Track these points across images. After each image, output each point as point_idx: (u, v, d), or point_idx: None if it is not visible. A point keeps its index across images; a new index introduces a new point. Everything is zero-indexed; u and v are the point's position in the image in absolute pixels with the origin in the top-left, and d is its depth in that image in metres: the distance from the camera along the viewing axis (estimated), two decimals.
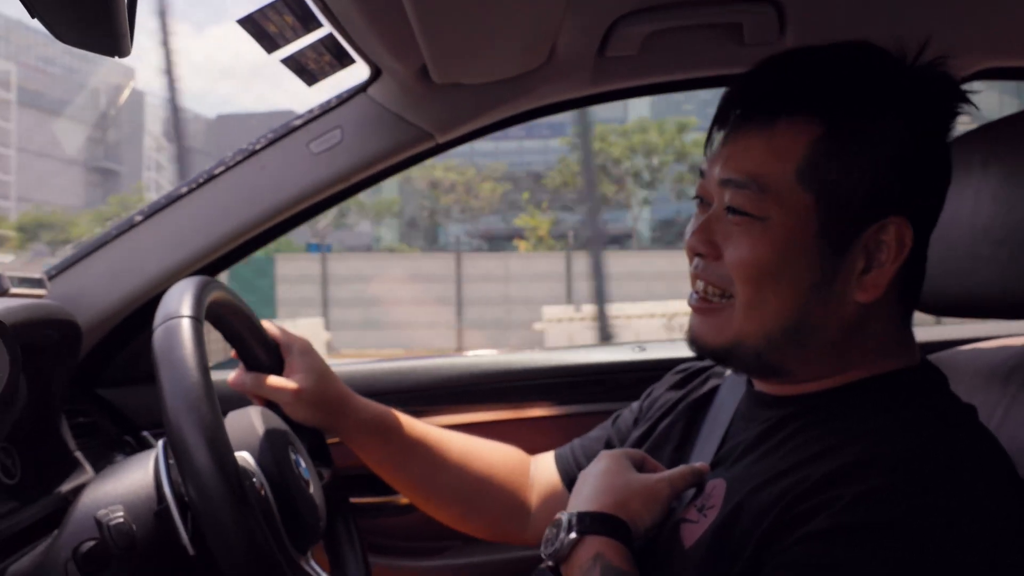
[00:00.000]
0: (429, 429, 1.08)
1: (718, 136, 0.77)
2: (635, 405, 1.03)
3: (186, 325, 0.74)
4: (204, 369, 0.72)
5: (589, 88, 1.25)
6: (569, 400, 1.39)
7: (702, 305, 0.77)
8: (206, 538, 0.67)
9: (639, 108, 30.53)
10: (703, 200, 0.78)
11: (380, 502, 1.32)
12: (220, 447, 0.68)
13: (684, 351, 1.46)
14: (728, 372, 0.91)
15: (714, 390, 0.91)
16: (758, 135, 0.72)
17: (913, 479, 0.62)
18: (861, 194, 0.70)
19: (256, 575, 0.66)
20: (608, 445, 1.02)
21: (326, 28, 0.99)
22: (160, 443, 0.76)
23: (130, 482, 0.77)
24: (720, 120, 0.77)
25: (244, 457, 0.79)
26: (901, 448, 0.65)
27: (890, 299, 0.73)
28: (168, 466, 0.74)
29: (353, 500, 1.28)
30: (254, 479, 0.78)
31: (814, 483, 0.65)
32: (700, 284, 0.77)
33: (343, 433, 1.03)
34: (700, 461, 0.81)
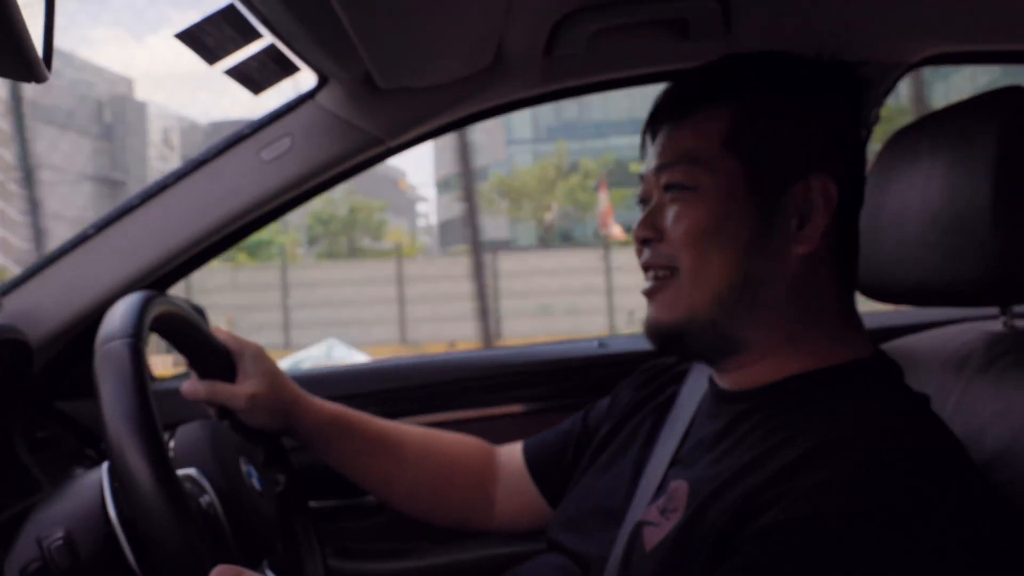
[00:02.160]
0: (387, 425, 1.10)
1: (648, 140, 0.84)
2: (605, 402, 1.04)
3: (122, 347, 0.74)
4: (142, 390, 0.72)
5: (539, 87, 1.26)
6: (532, 397, 1.41)
7: (652, 286, 0.81)
8: (150, 560, 0.68)
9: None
10: (646, 203, 0.83)
11: (344, 504, 1.33)
12: (160, 468, 0.68)
13: (644, 345, 1.48)
14: (690, 373, 0.92)
15: (676, 393, 0.92)
16: (683, 123, 0.81)
17: (863, 470, 0.64)
18: (782, 156, 0.77)
19: (176, 559, 0.67)
20: (576, 440, 1.03)
21: (267, 39, 0.99)
22: (104, 465, 0.76)
23: (75, 503, 0.77)
24: (650, 125, 0.84)
25: (190, 474, 0.80)
26: (852, 440, 0.66)
27: (828, 258, 0.78)
28: (113, 488, 0.74)
29: (317, 504, 1.30)
30: (203, 497, 0.78)
31: (767, 479, 0.66)
32: (650, 272, 0.81)
33: (301, 435, 1.04)
34: (662, 459, 0.83)
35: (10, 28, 0.48)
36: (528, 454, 1.08)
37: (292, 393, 1.03)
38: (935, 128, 0.84)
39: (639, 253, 0.82)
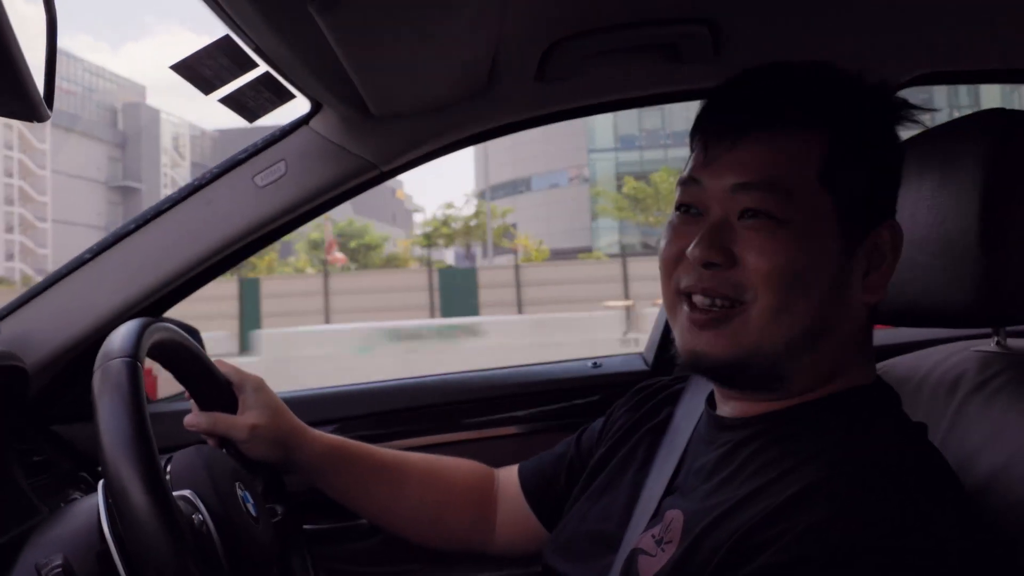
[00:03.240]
0: (387, 453, 1.10)
1: (717, 145, 0.75)
2: (598, 424, 1.03)
3: (121, 367, 0.75)
4: (139, 409, 0.73)
5: (531, 111, 1.27)
6: (527, 418, 1.41)
7: (708, 317, 0.73)
8: (137, 567, 0.69)
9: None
10: (690, 210, 0.77)
11: (339, 527, 1.33)
12: (155, 485, 0.69)
13: (638, 365, 1.49)
14: (683, 397, 0.92)
15: (671, 415, 0.91)
16: (771, 142, 0.73)
17: (858, 512, 0.63)
18: (867, 197, 0.74)
19: None
20: (569, 464, 1.03)
21: (262, 67, 1.00)
22: (100, 484, 0.77)
23: (72, 527, 0.77)
24: (716, 130, 0.76)
25: (185, 495, 0.80)
26: (849, 477, 0.66)
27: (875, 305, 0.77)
28: (108, 506, 0.75)
29: (312, 527, 1.30)
30: (195, 516, 0.79)
31: (765, 515, 0.65)
32: (703, 298, 0.74)
33: (300, 467, 1.05)
34: (658, 485, 0.81)
35: (13, 70, 0.49)
36: (523, 478, 1.08)
37: (291, 424, 1.04)
38: (922, 150, 0.85)
39: (686, 271, 0.75)
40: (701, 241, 0.73)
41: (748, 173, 0.72)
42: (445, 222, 28.71)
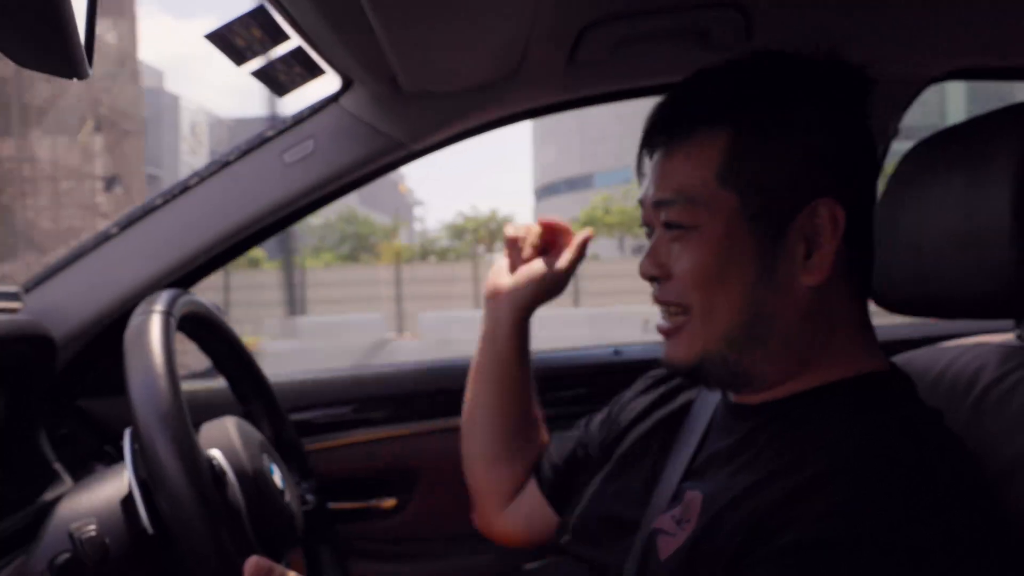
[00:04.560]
0: (531, 382, 1.12)
1: (646, 165, 0.81)
2: (604, 411, 1.04)
3: (156, 319, 0.77)
4: (169, 357, 0.73)
5: (560, 95, 1.27)
6: (548, 403, 1.40)
7: (668, 326, 0.79)
8: (162, 514, 0.69)
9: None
10: (649, 229, 0.82)
11: (362, 507, 1.33)
12: (179, 430, 0.69)
13: (657, 354, 1.48)
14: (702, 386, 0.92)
15: (688, 402, 0.92)
16: (676, 152, 0.76)
17: (877, 494, 0.63)
18: (783, 184, 0.73)
19: (212, 557, 0.67)
20: (582, 448, 1.04)
21: (295, 41, 1.00)
22: (127, 431, 0.77)
23: (104, 495, 0.77)
24: (646, 147, 0.80)
25: (214, 454, 0.80)
26: (866, 460, 0.66)
27: (840, 284, 0.75)
28: (133, 451, 0.75)
29: (335, 505, 1.30)
30: (222, 471, 0.79)
31: (782, 498, 0.65)
32: (662, 308, 0.80)
33: (505, 317, 1.07)
34: (676, 469, 0.82)
35: (60, 26, 0.49)
36: (535, 468, 1.08)
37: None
38: (953, 142, 0.84)
39: (652, 286, 0.80)
40: (643, 260, 0.79)
41: (661, 189, 0.77)
42: (489, 220, 28.73)
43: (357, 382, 1.42)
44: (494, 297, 1.08)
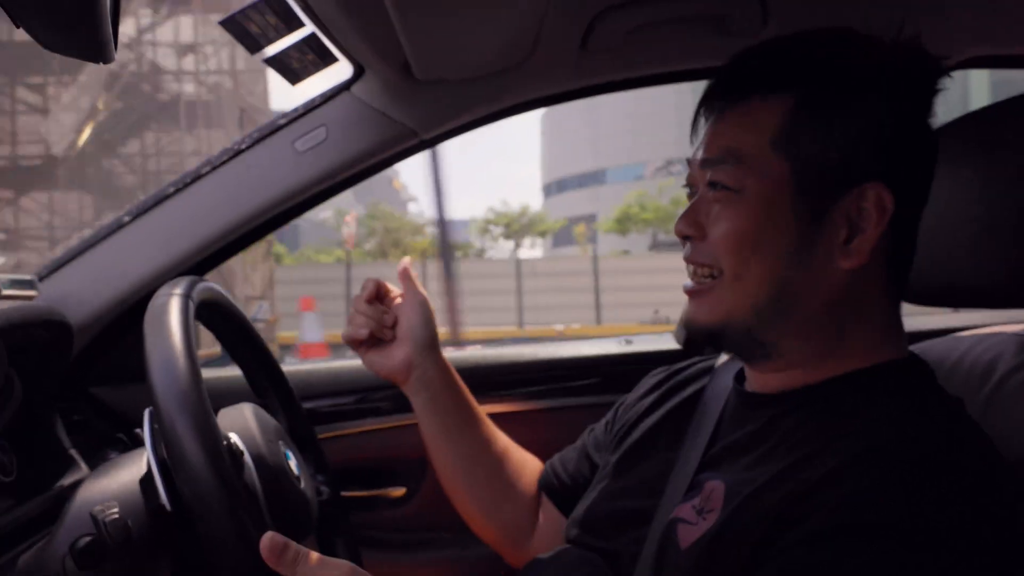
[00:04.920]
0: (480, 410, 1.10)
1: (700, 128, 0.80)
2: (608, 415, 1.03)
3: (177, 301, 0.77)
4: (188, 338, 0.74)
5: (573, 82, 1.26)
6: (559, 393, 1.41)
7: (695, 287, 0.78)
8: (179, 487, 0.69)
9: None
10: (692, 189, 0.81)
11: (372, 495, 1.34)
12: (199, 410, 0.69)
13: (670, 344, 1.48)
14: (710, 375, 0.91)
15: (698, 393, 0.91)
16: (733, 113, 0.76)
17: (903, 477, 0.63)
18: (836, 163, 0.72)
19: (231, 535, 0.67)
20: (586, 460, 1.02)
21: (309, 27, 1.00)
22: (147, 411, 0.77)
23: (125, 478, 0.78)
24: (703, 109, 0.79)
25: (231, 437, 0.80)
26: (891, 445, 0.66)
27: (878, 272, 0.74)
28: (152, 431, 0.75)
29: (345, 494, 1.30)
30: (240, 451, 0.79)
31: (809, 485, 0.65)
32: (691, 268, 0.79)
33: (423, 379, 1.05)
34: (691, 460, 0.81)
35: (91, 10, 0.49)
36: (546, 484, 1.06)
37: (435, 332, 1.06)
38: (971, 130, 0.84)
39: (683, 245, 0.80)
40: (681, 217, 0.78)
41: (711, 148, 0.76)
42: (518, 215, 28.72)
43: (360, 372, 1.43)
44: (399, 383, 1.06)
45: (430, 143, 1.26)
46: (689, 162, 0.81)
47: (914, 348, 0.96)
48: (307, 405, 1.35)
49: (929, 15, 1.17)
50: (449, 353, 1.47)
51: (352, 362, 1.43)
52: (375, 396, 1.38)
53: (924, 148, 0.76)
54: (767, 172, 0.73)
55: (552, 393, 1.41)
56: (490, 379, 1.41)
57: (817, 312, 0.74)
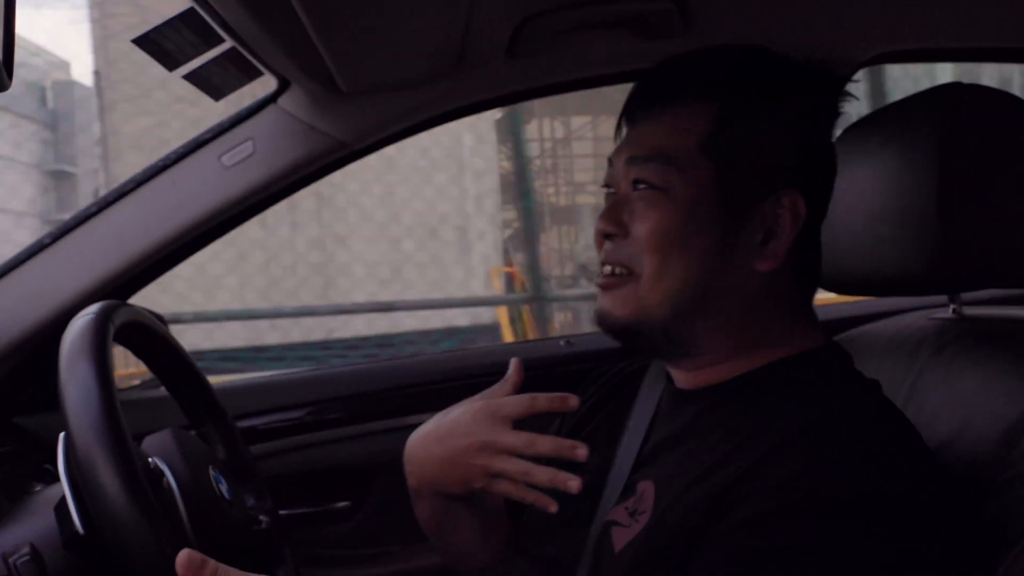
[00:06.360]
0: None
1: (624, 127, 0.81)
2: (553, 426, 1.00)
3: (92, 322, 0.76)
4: (103, 359, 0.72)
5: (502, 88, 1.26)
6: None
7: (607, 281, 0.79)
8: (90, 510, 0.68)
9: None
10: (612, 189, 0.82)
11: (315, 511, 1.32)
12: (112, 429, 0.68)
13: (611, 343, 1.49)
14: (647, 375, 0.92)
15: (633, 393, 0.91)
16: (660, 116, 0.77)
17: (833, 455, 0.65)
18: (757, 169, 0.75)
19: (140, 553, 0.66)
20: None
21: (228, 43, 0.98)
22: (61, 435, 0.75)
23: (37, 515, 0.75)
24: (627, 113, 0.81)
25: (155, 462, 0.79)
26: (818, 426, 0.68)
27: (789, 273, 0.77)
28: (66, 455, 0.73)
29: (287, 512, 1.29)
30: (160, 472, 0.78)
31: (733, 477, 0.67)
32: (607, 267, 0.79)
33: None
34: (625, 461, 0.82)
35: None
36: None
37: None
38: (883, 123, 0.87)
39: (599, 245, 0.80)
40: (602, 215, 0.79)
41: (638, 147, 0.77)
42: None
43: (310, 383, 1.41)
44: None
45: (360, 153, 1.25)
46: (609, 161, 0.82)
47: (842, 336, 0.99)
48: (247, 423, 1.32)
49: (838, 15, 1.21)
50: (388, 361, 1.47)
51: (300, 373, 1.42)
52: (320, 408, 1.37)
53: (831, 159, 0.80)
54: (693, 174, 0.75)
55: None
56: (430, 388, 1.40)
57: (732, 312, 0.76)
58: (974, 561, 0.65)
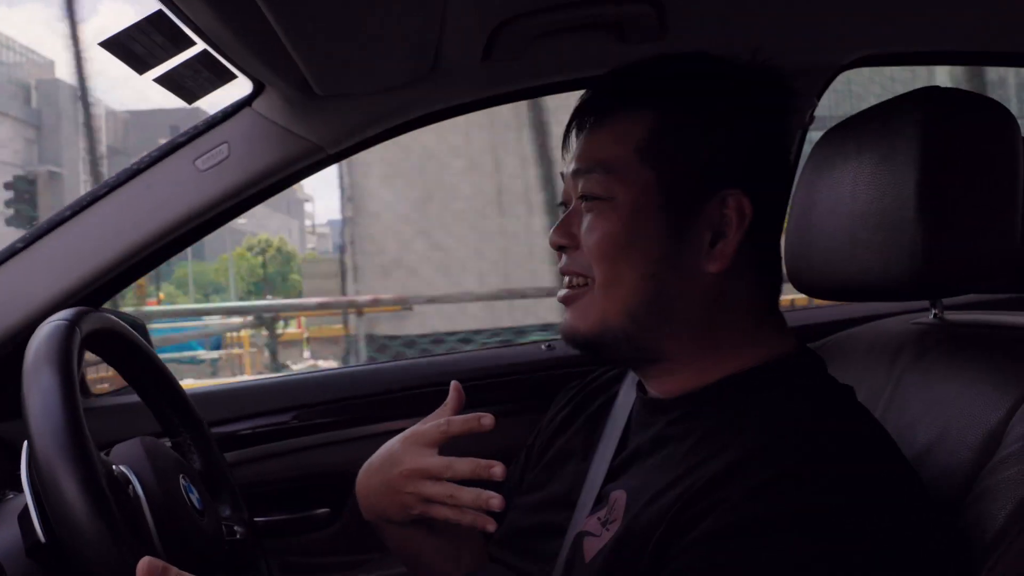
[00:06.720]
0: None
1: (570, 142, 0.83)
2: (529, 439, 1.01)
3: (58, 328, 0.75)
4: (67, 366, 0.72)
5: (478, 92, 1.26)
6: (480, 403, 1.39)
7: (568, 294, 0.80)
8: (51, 518, 0.67)
9: None
10: (566, 205, 0.83)
11: (293, 519, 1.31)
12: (73, 436, 0.67)
13: None
14: (622, 385, 0.91)
15: (608, 402, 0.91)
16: (600, 127, 0.79)
17: (795, 473, 0.64)
18: (697, 171, 0.76)
19: (107, 568, 0.65)
20: (512, 487, 0.97)
21: (200, 45, 0.97)
22: (25, 443, 0.74)
23: (3, 525, 0.74)
24: (574, 125, 0.82)
25: (121, 469, 0.78)
26: (785, 439, 0.67)
27: (745, 273, 0.77)
28: (28, 463, 0.72)
29: (264, 519, 1.28)
30: (125, 480, 0.77)
31: (701, 486, 0.66)
32: (565, 278, 0.81)
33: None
34: (599, 471, 0.82)
35: None
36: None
37: None
38: (861, 128, 0.86)
39: (558, 258, 0.82)
40: (554, 229, 0.81)
41: (582, 160, 0.79)
42: None
43: (293, 388, 1.40)
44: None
45: (337, 157, 1.24)
46: (563, 175, 0.83)
47: (825, 341, 0.99)
48: (223, 430, 1.31)
49: (819, 19, 1.21)
50: (369, 366, 1.46)
51: (283, 378, 1.41)
52: (300, 413, 1.35)
53: (779, 157, 0.81)
54: (634, 180, 0.76)
55: (474, 403, 1.40)
56: (410, 392, 1.39)
57: (690, 315, 0.77)
58: (948, 570, 0.64)
